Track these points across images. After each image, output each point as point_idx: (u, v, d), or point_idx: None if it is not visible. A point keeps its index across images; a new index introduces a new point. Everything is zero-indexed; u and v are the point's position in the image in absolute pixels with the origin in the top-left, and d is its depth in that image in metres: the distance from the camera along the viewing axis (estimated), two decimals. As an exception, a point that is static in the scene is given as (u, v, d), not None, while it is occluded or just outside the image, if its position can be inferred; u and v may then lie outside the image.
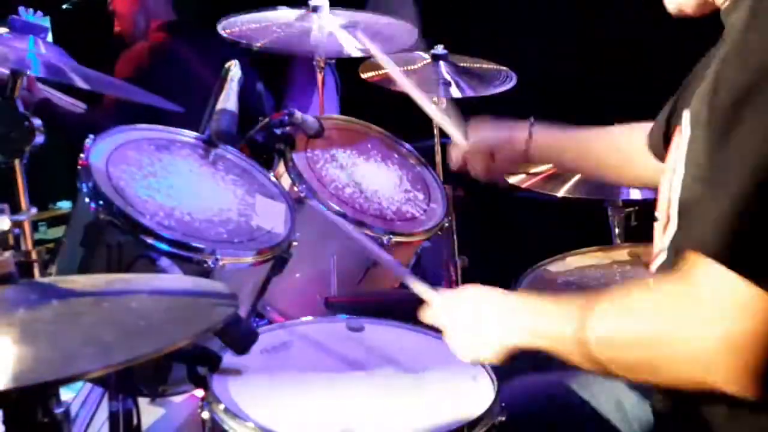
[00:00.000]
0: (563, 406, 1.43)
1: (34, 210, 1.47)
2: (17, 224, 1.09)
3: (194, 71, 3.19)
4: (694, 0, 1.25)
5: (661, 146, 1.52)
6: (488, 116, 1.90)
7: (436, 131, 2.71)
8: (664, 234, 1.27)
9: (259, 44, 2.51)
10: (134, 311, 0.95)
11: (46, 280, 1.24)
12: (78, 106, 3.02)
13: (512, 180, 2.44)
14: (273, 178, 1.93)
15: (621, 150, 1.73)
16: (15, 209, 1.32)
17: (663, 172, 1.34)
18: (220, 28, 2.46)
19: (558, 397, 1.45)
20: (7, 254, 0.99)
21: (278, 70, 3.62)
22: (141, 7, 3.28)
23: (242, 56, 2.19)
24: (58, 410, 0.93)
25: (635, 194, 2.42)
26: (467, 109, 2.69)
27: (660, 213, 1.31)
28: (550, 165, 2.30)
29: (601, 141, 1.78)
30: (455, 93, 2.66)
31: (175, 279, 1.39)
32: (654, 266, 1.32)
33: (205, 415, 1.28)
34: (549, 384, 1.48)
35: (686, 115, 1.20)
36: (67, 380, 0.79)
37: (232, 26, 2.49)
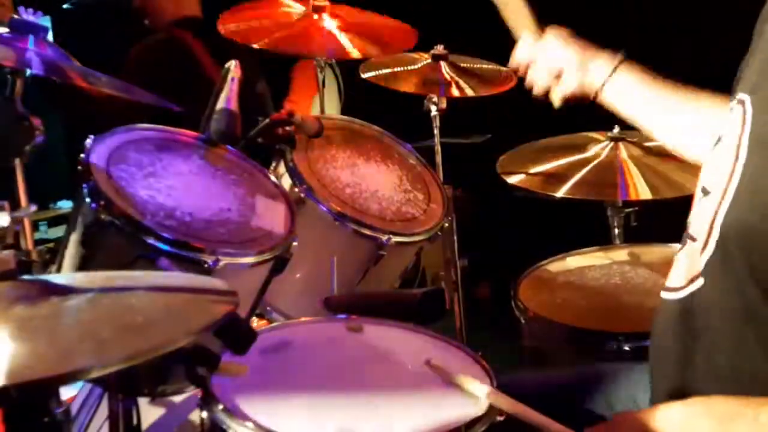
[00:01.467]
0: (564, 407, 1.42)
1: (33, 207, 1.47)
2: (17, 221, 1.09)
3: (207, 71, 3.19)
4: None
5: None
6: (568, 28, 1.65)
7: (436, 131, 2.71)
8: (701, 257, 1.16)
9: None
10: (133, 308, 0.95)
11: (44, 277, 1.24)
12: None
13: (512, 180, 2.44)
14: (273, 178, 1.93)
15: (707, 129, 1.43)
16: (15, 208, 1.32)
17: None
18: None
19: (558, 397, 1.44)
20: (9, 251, 0.99)
21: (279, 70, 3.63)
22: None
23: (250, 57, 2.18)
24: (58, 410, 0.92)
25: (635, 194, 2.42)
26: (467, 110, 2.69)
27: (699, 235, 1.19)
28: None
29: (688, 112, 1.52)
30: (455, 93, 2.65)
31: (174, 276, 1.39)
32: (686, 291, 1.22)
33: (204, 414, 1.28)
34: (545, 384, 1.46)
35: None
36: (64, 377, 0.79)
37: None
